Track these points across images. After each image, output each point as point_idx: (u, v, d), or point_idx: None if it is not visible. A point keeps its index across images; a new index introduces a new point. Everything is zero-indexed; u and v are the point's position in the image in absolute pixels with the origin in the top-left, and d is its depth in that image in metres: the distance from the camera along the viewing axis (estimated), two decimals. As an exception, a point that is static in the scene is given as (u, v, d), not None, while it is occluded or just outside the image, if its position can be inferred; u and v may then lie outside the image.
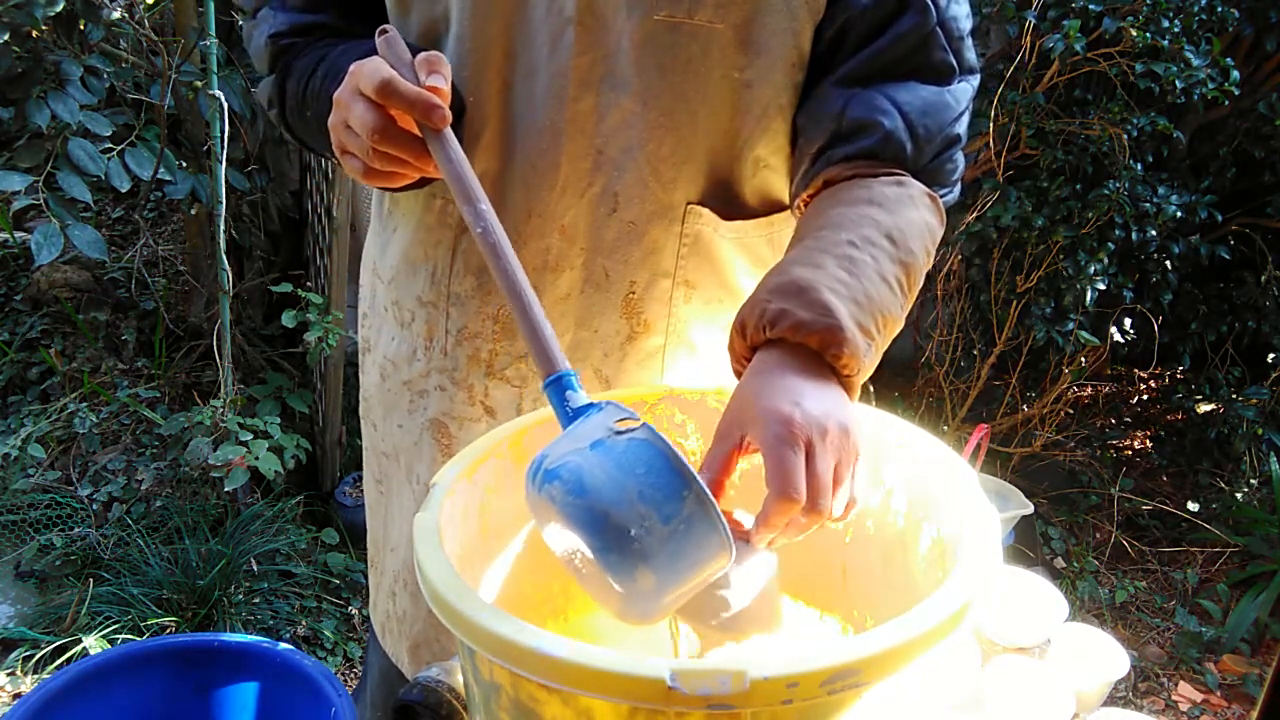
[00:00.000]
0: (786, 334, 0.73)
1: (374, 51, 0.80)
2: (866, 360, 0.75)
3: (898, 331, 0.81)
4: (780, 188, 1.00)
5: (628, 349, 0.99)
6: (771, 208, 1.00)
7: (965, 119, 0.92)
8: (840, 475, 0.69)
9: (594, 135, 0.91)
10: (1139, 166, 2.75)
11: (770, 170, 0.97)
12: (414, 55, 0.79)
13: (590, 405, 0.68)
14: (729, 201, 0.97)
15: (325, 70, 0.90)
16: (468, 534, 0.76)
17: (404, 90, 0.73)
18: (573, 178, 0.92)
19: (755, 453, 0.70)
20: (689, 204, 0.95)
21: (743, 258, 0.99)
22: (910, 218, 0.84)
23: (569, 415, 0.68)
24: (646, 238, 0.95)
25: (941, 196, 0.91)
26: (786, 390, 0.70)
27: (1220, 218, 2.94)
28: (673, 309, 0.98)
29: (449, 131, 0.75)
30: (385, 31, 0.81)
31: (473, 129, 0.92)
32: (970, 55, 0.92)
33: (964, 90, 0.91)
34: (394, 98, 0.73)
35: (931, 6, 0.87)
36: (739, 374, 0.77)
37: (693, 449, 0.91)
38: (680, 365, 1.02)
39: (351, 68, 0.77)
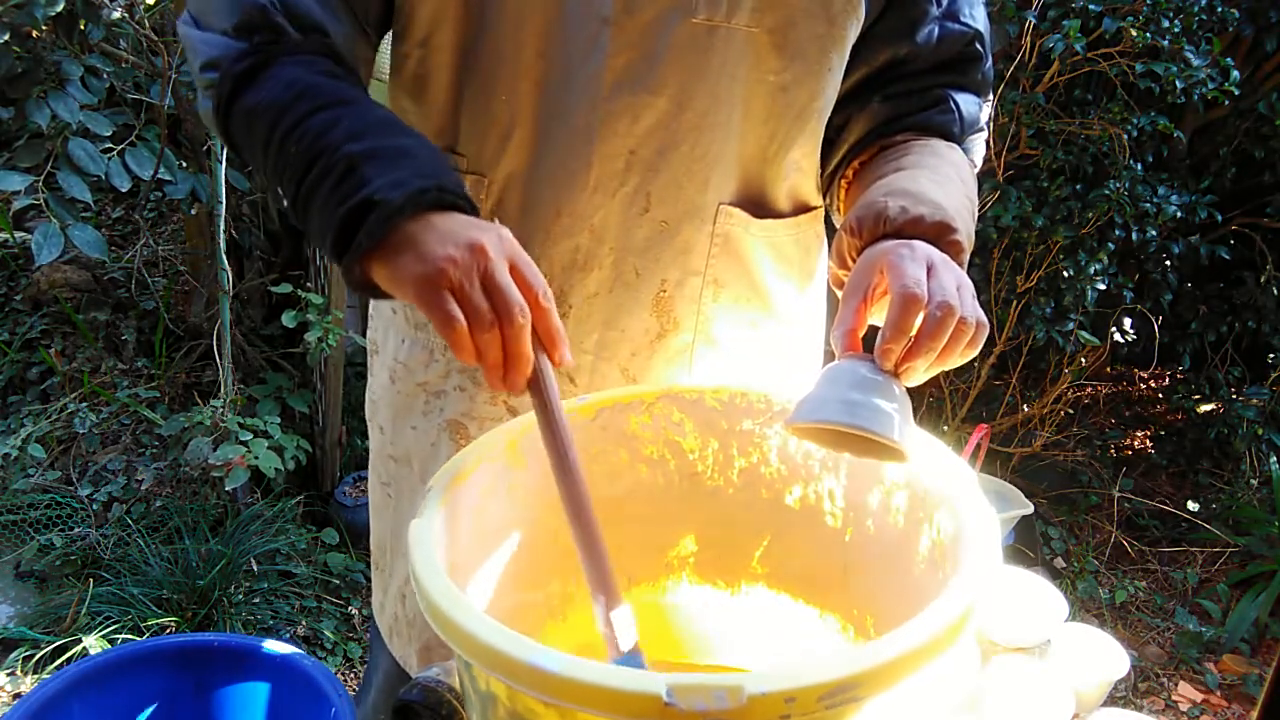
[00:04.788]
0: (905, 226, 0.80)
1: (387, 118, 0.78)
2: (965, 255, 0.83)
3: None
4: (808, 190, 1.03)
5: (656, 347, 1.00)
6: (799, 209, 1.02)
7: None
8: (964, 294, 0.75)
9: (627, 136, 0.91)
10: (1139, 166, 2.75)
11: (801, 173, 1.00)
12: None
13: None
14: (760, 202, 0.98)
15: (351, 129, 0.75)
16: (464, 538, 0.76)
17: (553, 323, 0.71)
18: (604, 178, 0.92)
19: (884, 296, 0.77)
20: (721, 204, 0.96)
21: (769, 256, 1.01)
22: (958, 160, 0.95)
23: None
24: (679, 237, 0.96)
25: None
26: (908, 243, 0.79)
27: (1220, 218, 2.94)
28: (701, 307, 0.99)
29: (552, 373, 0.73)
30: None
31: (502, 127, 0.92)
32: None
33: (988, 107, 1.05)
34: (543, 323, 0.71)
35: (987, 55, 1.01)
36: (841, 274, 0.84)
37: (691, 447, 0.91)
38: (707, 362, 1.02)
39: (494, 236, 0.70)
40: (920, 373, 0.75)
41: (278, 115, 0.77)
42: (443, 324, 0.69)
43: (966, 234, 0.83)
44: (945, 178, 0.88)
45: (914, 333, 0.74)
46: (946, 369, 0.77)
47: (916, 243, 0.78)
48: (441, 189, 0.71)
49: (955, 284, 0.75)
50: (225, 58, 0.81)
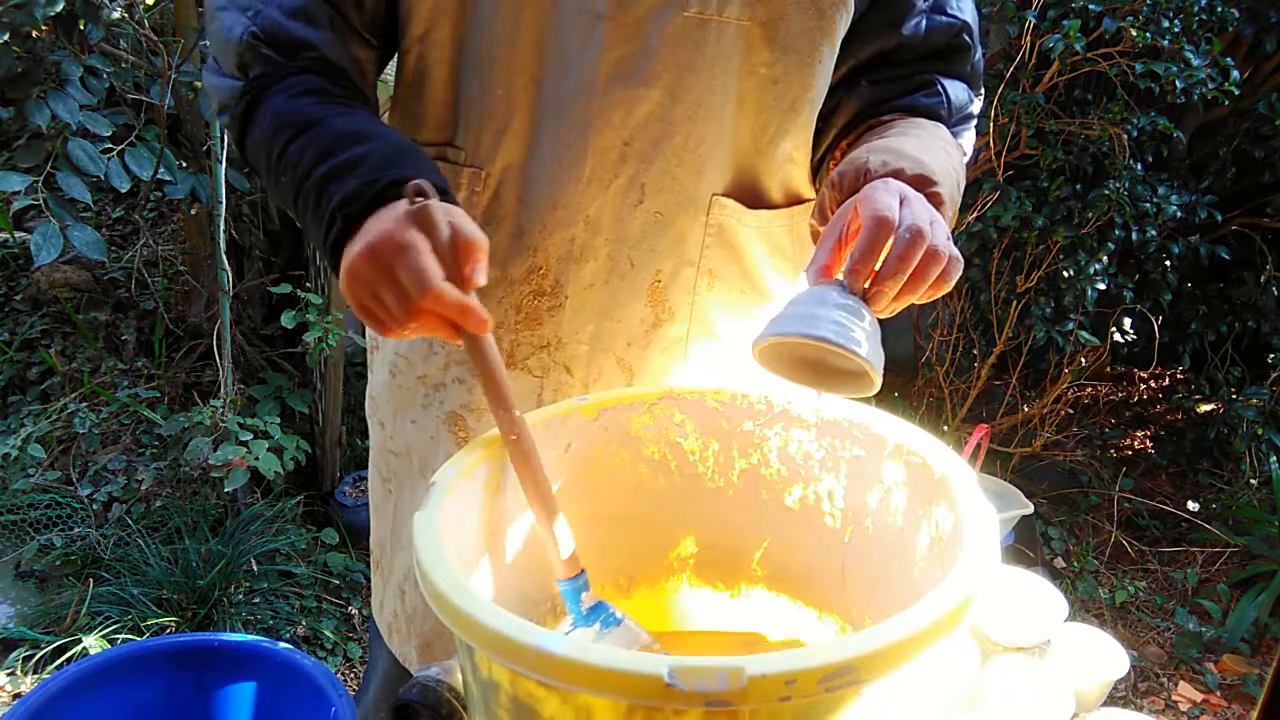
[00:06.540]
0: (885, 178, 0.81)
1: (367, 126, 0.82)
2: (948, 213, 0.84)
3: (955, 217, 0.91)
4: (802, 182, 1.04)
5: (652, 337, 1.00)
6: (792, 200, 1.03)
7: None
8: (936, 228, 0.76)
9: (621, 128, 0.92)
10: (1139, 166, 2.75)
11: (794, 165, 1.01)
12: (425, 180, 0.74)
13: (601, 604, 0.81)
14: (753, 193, 1.00)
15: (318, 151, 0.80)
16: (468, 533, 0.76)
17: (449, 300, 0.71)
18: (599, 169, 0.93)
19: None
20: (714, 195, 0.97)
21: (763, 246, 1.01)
22: (945, 136, 0.97)
23: (582, 617, 0.80)
24: (673, 228, 0.97)
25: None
26: (884, 179, 0.81)
27: (1220, 218, 2.94)
28: (696, 297, 1.00)
29: (488, 336, 0.75)
30: (422, 192, 0.73)
31: (499, 121, 0.93)
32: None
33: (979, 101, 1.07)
34: (440, 306, 0.71)
35: (976, 45, 1.01)
36: (821, 229, 0.85)
37: (692, 448, 0.91)
38: (702, 353, 1.03)
39: (387, 229, 0.71)
40: (889, 298, 0.76)
41: (269, 150, 0.84)
42: (371, 327, 0.75)
43: (949, 193, 0.84)
44: (929, 144, 0.90)
45: (884, 256, 0.75)
46: (918, 301, 0.78)
47: (892, 180, 0.80)
48: (381, 190, 0.75)
49: (929, 218, 0.77)
50: (230, 99, 0.89)
